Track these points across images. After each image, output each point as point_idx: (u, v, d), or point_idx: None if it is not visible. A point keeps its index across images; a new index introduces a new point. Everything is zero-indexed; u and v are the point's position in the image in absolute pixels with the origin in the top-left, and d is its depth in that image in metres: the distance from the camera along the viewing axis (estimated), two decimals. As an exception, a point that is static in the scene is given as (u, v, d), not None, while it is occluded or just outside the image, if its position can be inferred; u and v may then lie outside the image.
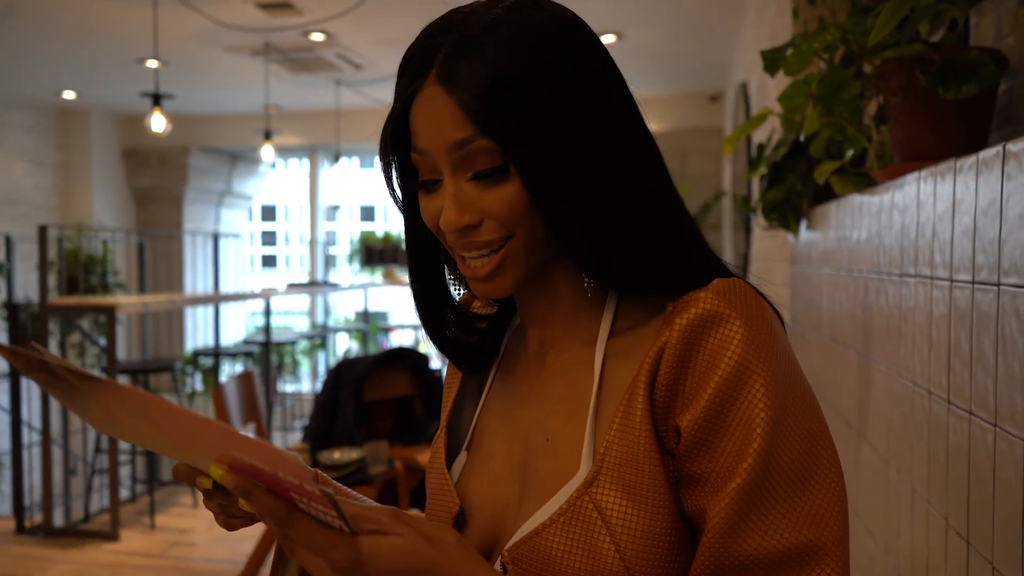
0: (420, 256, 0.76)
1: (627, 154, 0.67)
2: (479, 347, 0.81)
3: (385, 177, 0.72)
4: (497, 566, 0.68)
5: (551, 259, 0.71)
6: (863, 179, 1.57)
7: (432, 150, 0.66)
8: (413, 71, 0.66)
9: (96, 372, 0.70)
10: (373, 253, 9.59)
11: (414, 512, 0.69)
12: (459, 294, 0.81)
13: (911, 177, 1.21)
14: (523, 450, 0.73)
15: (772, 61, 1.56)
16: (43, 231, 4.49)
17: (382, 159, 0.71)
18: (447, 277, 0.79)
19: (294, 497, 0.54)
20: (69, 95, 7.74)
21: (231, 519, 0.72)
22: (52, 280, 5.15)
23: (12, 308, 5.00)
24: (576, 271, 0.72)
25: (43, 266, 4.47)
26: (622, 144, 0.67)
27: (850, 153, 1.55)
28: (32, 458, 5.24)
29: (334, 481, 0.57)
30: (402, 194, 0.74)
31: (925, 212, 1.14)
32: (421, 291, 0.78)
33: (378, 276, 9.65)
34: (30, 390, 5.22)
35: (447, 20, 0.67)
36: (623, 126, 0.68)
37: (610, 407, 0.68)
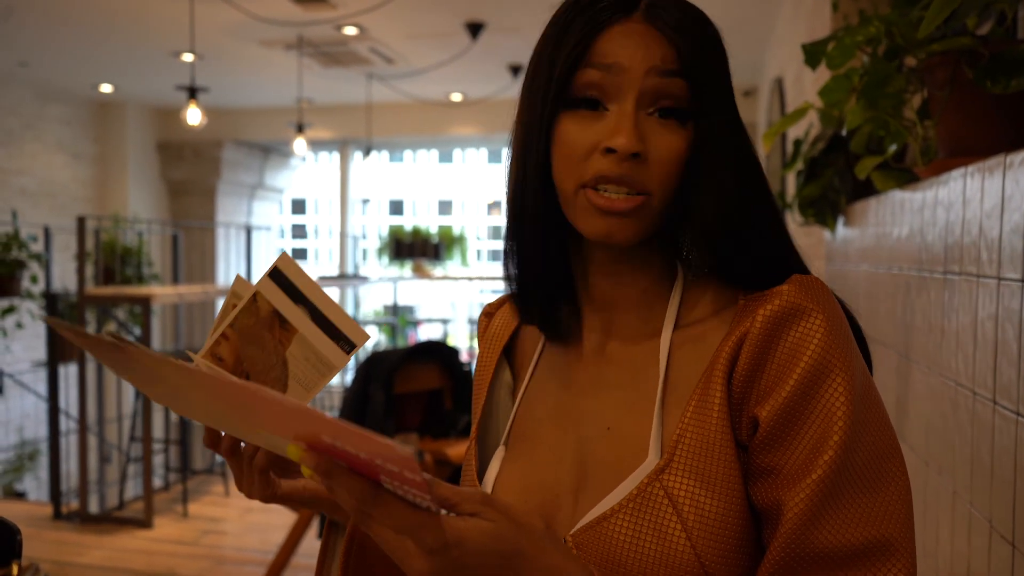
0: (531, 205, 0.71)
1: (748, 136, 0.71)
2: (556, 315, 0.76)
3: (533, 99, 0.69)
4: None
5: (654, 236, 0.70)
6: (905, 175, 1.54)
7: (630, 68, 0.65)
8: (612, 5, 0.67)
9: (168, 354, 0.70)
10: (402, 247, 9.62)
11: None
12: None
13: (956, 173, 1.19)
14: (577, 438, 0.73)
15: (813, 54, 1.54)
16: (81, 222, 4.56)
17: (534, 79, 0.69)
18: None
19: (381, 478, 0.52)
20: (106, 88, 7.86)
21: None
22: (89, 270, 5.23)
23: (50, 298, 5.09)
24: (661, 255, 0.72)
25: (81, 257, 4.55)
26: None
27: (892, 148, 1.52)
28: (69, 446, 5.35)
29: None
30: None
31: (971, 209, 1.11)
32: (526, 236, 0.73)
33: (407, 270, 9.68)
34: (67, 379, 5.32)
35: None
36: None
37: (676, 397, 0.68)
